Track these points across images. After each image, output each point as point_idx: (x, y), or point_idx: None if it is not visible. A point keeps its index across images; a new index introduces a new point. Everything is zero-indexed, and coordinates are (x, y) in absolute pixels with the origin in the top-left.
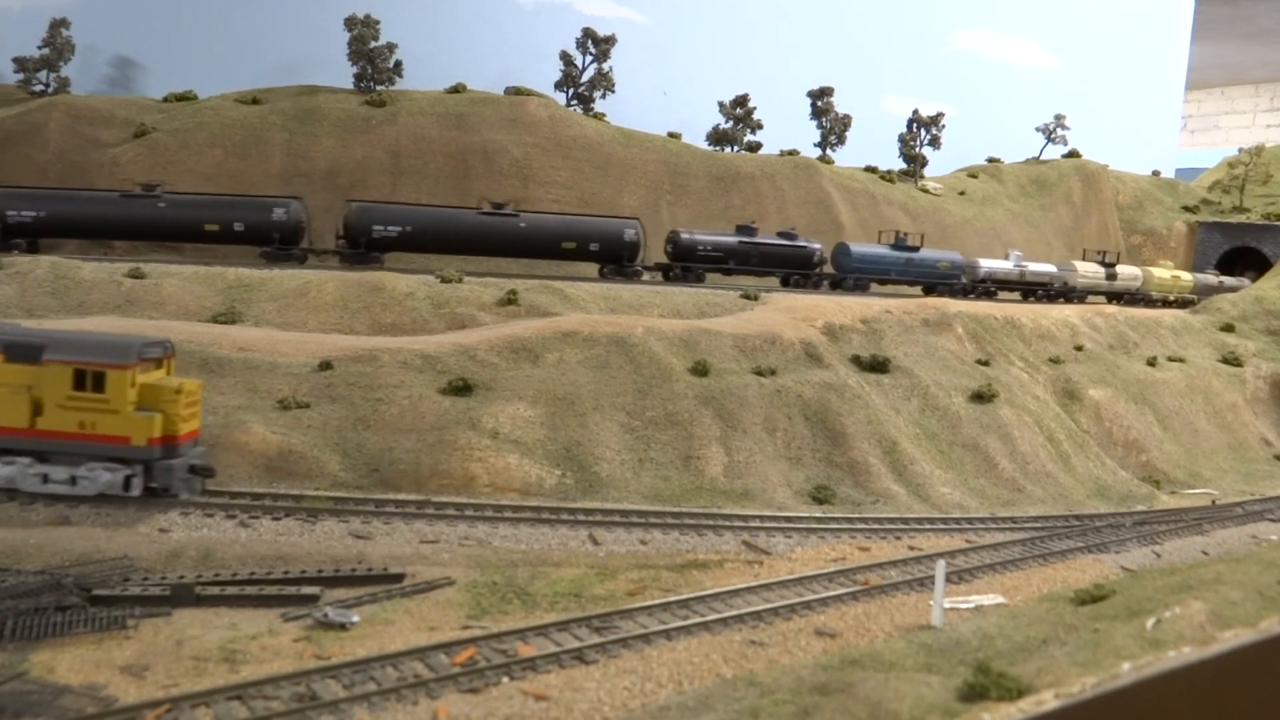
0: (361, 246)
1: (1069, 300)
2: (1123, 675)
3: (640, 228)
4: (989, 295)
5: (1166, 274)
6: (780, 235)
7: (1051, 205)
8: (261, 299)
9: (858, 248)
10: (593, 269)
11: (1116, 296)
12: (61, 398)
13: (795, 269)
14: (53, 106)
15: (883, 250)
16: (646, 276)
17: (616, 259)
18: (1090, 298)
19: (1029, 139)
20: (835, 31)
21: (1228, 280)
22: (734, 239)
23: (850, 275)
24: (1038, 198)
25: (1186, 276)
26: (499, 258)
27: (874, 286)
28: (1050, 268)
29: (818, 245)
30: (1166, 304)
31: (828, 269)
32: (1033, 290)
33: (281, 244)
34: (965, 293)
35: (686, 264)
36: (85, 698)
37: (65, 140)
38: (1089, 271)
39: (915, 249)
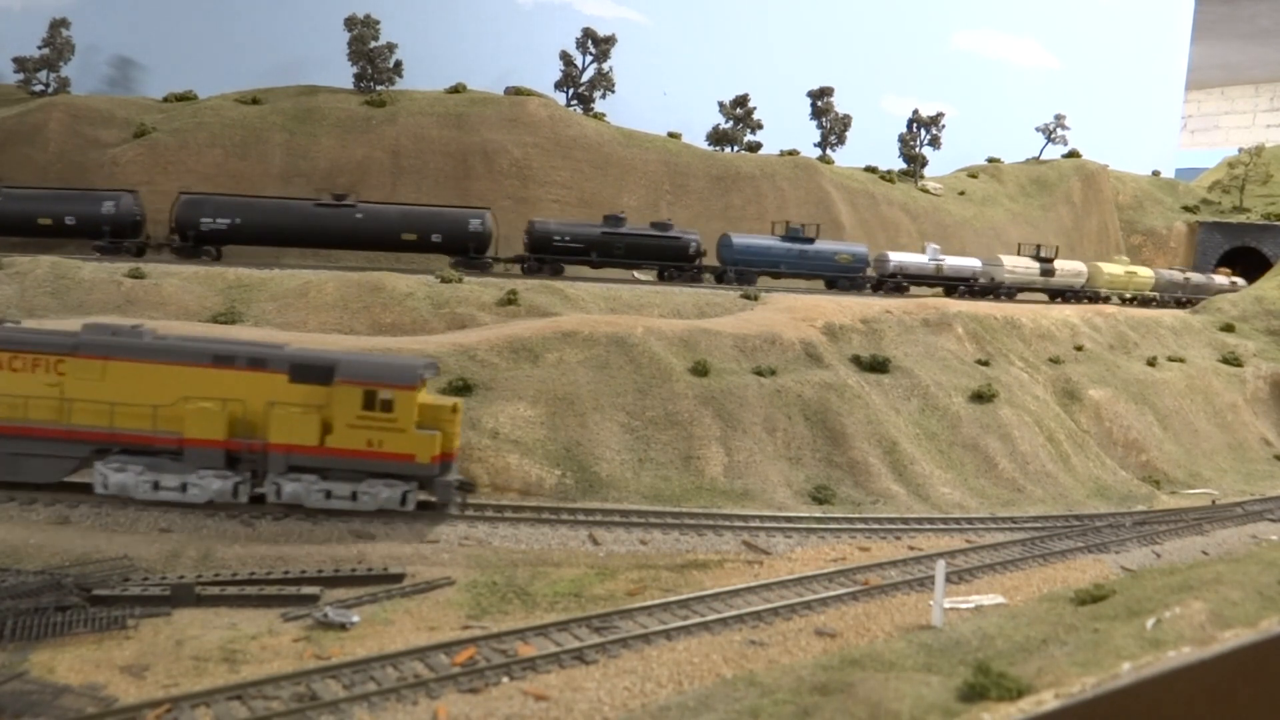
0: (190, 240)
1: (997, 297)
2: (1123, 675)
3: (488, 218)
4: (900, 290)
5: (1119, 270)
6: (653, 225)
7: (1051, 205)
8: (261, 299)
9: (740, 239)
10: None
11: (1057, 294)
12: (351, 417)
13: (669, 261)
14: (53, 106)
15: (770, 242)
16: (500, 269)
17: (462, 250)
18: (1034, 296)
19: (1029, 139)
20: (835, 31)
21: (1196, 277)
22: (596, 229)
23: (731, 268)
24: (1038, 198)
25: (1145, 272)
26: (337, 250)
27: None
28: (974, 263)
29: (695, 236)
30: (1124, 302)
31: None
32: (953, 286)
33: (114, 237)
34: (875, 288)
35: (541, 255)
36: (85, 698)
37: (65, 140)
38: (1019, 266)
39: (810, 240)
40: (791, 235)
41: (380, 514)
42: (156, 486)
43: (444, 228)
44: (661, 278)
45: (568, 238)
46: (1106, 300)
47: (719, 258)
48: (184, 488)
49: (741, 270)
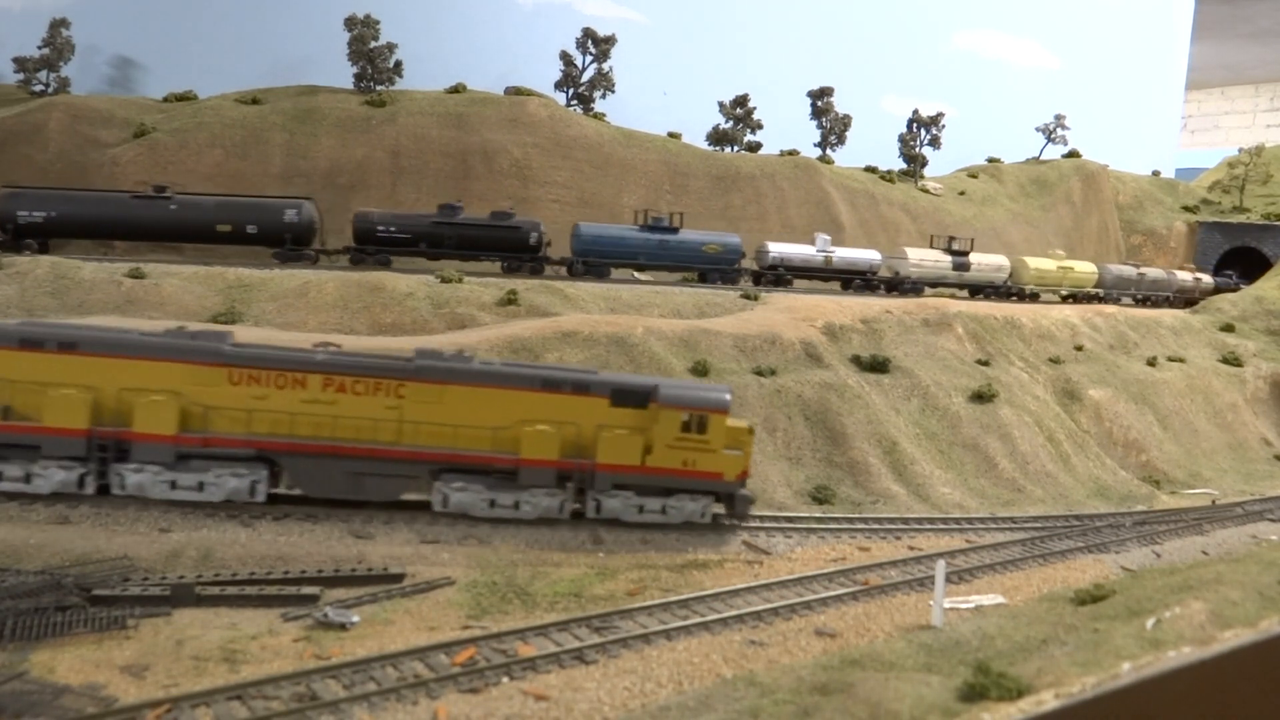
0: (9, 232)
1: (904, 293)
2: (1123, 675)
3: (308, 208)
4: (783, 283)
5: (1050, 265)
6: (492, 215)
7: (1051, 205)
8: (261, 299)
9: (590, 228)
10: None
11: (977, 290)
12: (670, 439)
13: (508, 253)
14: (53, 106)
15: (624, 231)
16: (324, 261)
17: (279, 241)
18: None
19: (1029, 139)
20: (835, 31)
21: (1152, 272)
22: (426, 219)
23: (580, 260)
24: (1038, 198)
25: (1085, 268)
26: (154, 243)
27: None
28: (871, 255)
29: (538, 226)
30: (1064, 300)
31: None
32: (849, 280)
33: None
34: (755, 280)
35: (365, 247)
36: (85, 697)
37: (65, 140)
38: (926, 260)
39: (674, 230)
40: (653, 225)
41: (685, 526)
42: (493, 504)
43: (259, 218)
44: (506, 271)
45: (393, 228)
46: (1035, 298)
47: (571, 248)
48: (516, 505)
49: (592, 262)
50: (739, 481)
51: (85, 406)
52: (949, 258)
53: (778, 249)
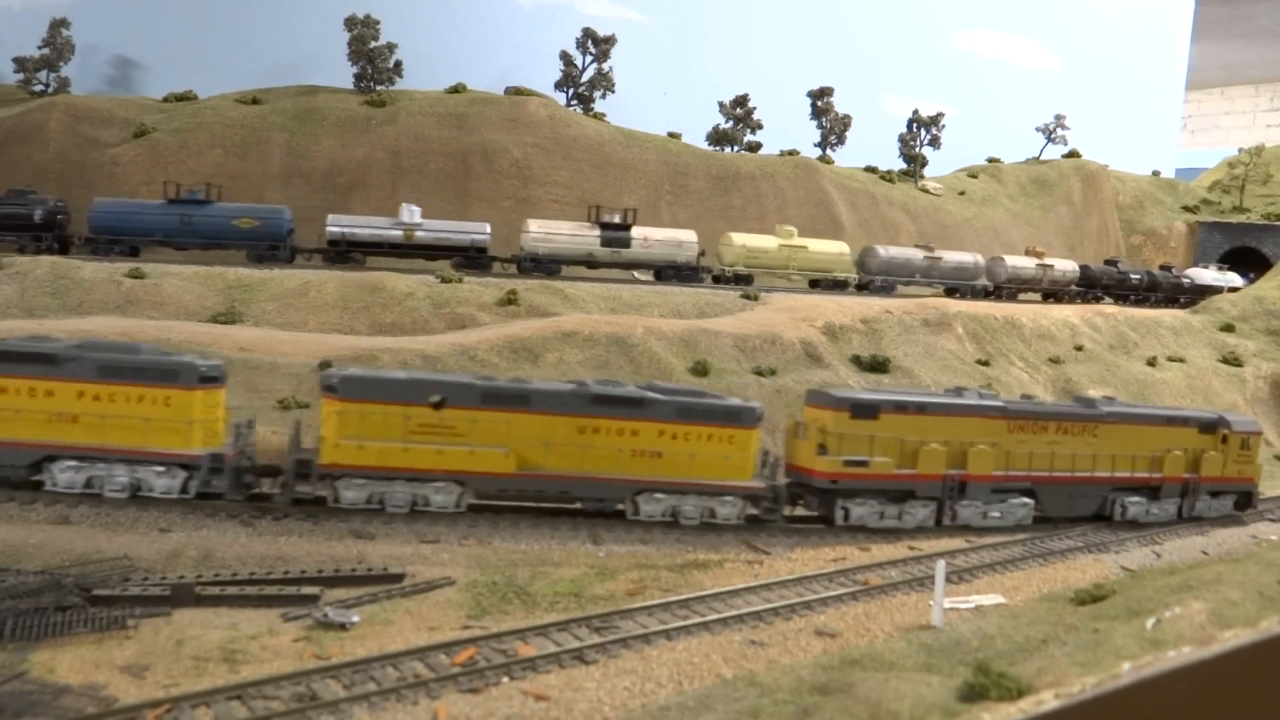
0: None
1: (525, 273)
2: (1123, 675)
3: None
4: (345, 260)
5: (770, 243)
6: (9, 193)
7: (1051, 205)
8: (261, 299)
9: (106, 204)
10: None
11: (648, 268)
12: (1235, 456)
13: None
14: (53, 106)
15: (140, 206)
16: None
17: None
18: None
19: (1029, 139)
20: (835, 31)
21: (954, 257)
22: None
23: (104, 237)
24: (1038, 198)
25: (829, 248)
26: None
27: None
28: (474, 231)
29: (46, 203)
30: (817, 286)
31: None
32: (434, 257)
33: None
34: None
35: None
36: (85, 698)
37: (65, 140)
38: (555, 233)
39: (204, 202)
40: (187, 198)
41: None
42: (1148, 512)
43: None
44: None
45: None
46: (739, 280)
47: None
48: (1147, 511)
49: (97, 240)
50: (1253, 484)
51: (942, 457)
52: (597, 231)
53: (340, 223)
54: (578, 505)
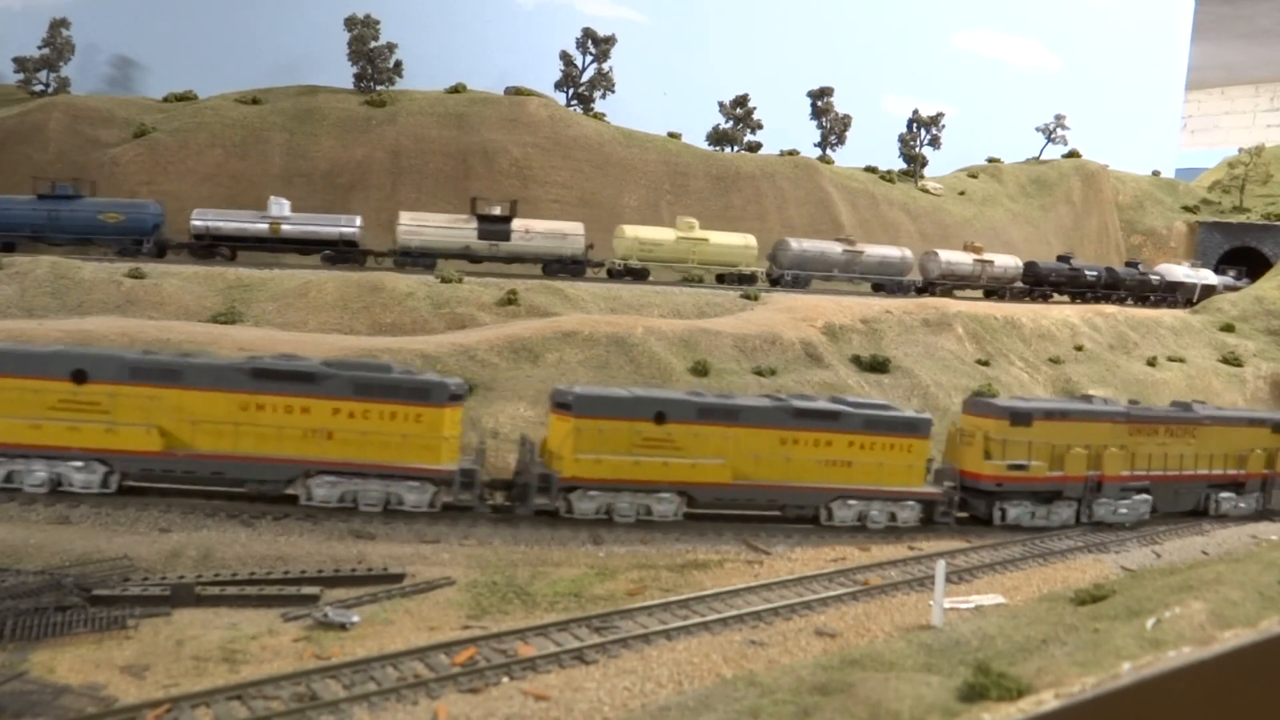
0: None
1: (401, 268)
2: (1123, 675)
3: None
4: (212, 256)
5: (666, 235)
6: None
7: (1051, 205)
8: (261, 299)
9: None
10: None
11: (516, 259)
12: None
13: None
14: (53, 106)
15: (9, 202)
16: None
17: None
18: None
19: (1029, 139)
20: (835, 31)
21: (878, 251)
22: None
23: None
24: (1038, 198)
25: (733, 241)
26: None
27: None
28: (344, 224)
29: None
30: (727, 281)
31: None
32: (313, 249)
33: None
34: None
35: None
36: (85, 698)
37: (65, 140)
38: (428, 224)
39: (73, 197)
40: (58, 193)
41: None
42: (1236, 506)
43: None
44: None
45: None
46: (633, 275)
47: None
48: (1235, 505)
49: None
50: None
51: (1085, 460)
52: (472, 224)
53: (204, 217)
54: (777, 512)
